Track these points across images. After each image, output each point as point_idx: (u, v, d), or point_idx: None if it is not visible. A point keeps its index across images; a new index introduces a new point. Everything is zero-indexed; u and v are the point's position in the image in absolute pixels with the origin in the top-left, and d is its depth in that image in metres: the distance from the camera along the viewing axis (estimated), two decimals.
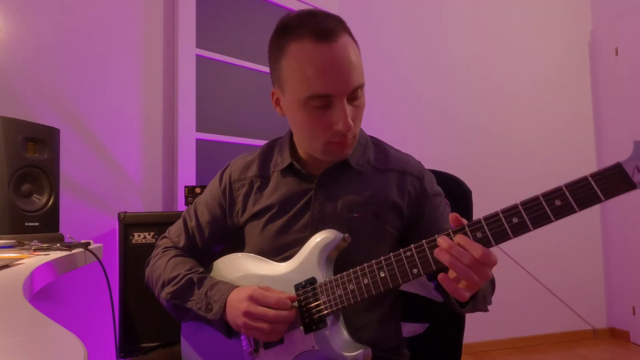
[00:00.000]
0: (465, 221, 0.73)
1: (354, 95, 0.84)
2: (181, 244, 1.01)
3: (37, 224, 1.41)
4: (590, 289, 3.20)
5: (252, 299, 0.81)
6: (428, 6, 3.02)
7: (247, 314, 0.81)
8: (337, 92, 0.82)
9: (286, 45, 0.84)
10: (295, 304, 0.83)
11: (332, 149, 0.87)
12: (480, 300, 0.83)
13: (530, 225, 0.68)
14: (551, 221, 0.66)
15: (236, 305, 0.83)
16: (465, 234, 0.71)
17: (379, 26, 2.88)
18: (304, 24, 0.82)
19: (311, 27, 0.81)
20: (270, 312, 0.80)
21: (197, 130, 2.20)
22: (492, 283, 0.91)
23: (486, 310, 0.88)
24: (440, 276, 0.71)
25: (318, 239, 0.86)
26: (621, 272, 3.14)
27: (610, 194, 0.64)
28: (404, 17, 2.95)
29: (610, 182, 0.64)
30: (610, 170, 0.64)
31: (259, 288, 0.84)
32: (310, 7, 0.89)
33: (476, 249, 0.68)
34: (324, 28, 0.81)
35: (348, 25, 0.87)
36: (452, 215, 0.73)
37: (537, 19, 3.27)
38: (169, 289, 0.92)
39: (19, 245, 1.21)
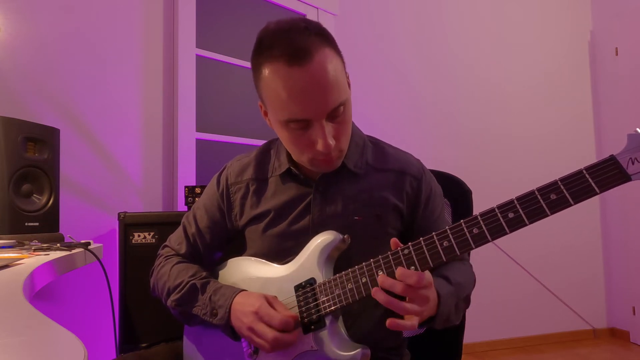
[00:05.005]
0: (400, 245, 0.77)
1: (334, 114, 0.82)
2: (183, 251, 1.01)
3: (37, 224, 1.41)
4: (590, 289, 3.20)
5: (257, 315, 0.81)
6: (428, 6, 3.02)
7: (250, 329, 0.81)
8: (314, 115, 0.80)
9: (262, 66, 0.81)
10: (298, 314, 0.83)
11: (319, 164, 0.87)
12: (441, 322, 0.83)
13: (526, 220, 0.68)
14: (547, 215, 0.67)
15: (240, 317, 0.83)
16: (400, 263, 0.76)
17: (379, 26, 2.88)
18: (276, 44, 0.78)
19: (284, 48, 0.77)
20: (271, 334, 0.79)
21: (197, 130, 2.20)
22: (464, 300, 0.91)
23: (456, 323, 0.90)
24: (388, 322, 0.74)
25: (318, 241, 0.86)
26: (621, 272, 3.14)
27: (604, 186, 0.64)
28: (404, 16, 2.95)
29: (604, 174, 0.64)
30: (605, 162, 0.65)
31: (266, 301, 0.83)
32: (294, 17, 0.84)
33: (410, 277, 0.72)
34: (297, 49, 0.76)
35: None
36: (393, 241, 0.78)
37: (537, 19, 3.27)
38: (174, 297, 0.92)
39: (19, 245, 1.21)
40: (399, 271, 0.73)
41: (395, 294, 0.74)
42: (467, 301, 0.92)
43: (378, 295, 0.74)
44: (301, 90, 0.78)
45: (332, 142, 0.82)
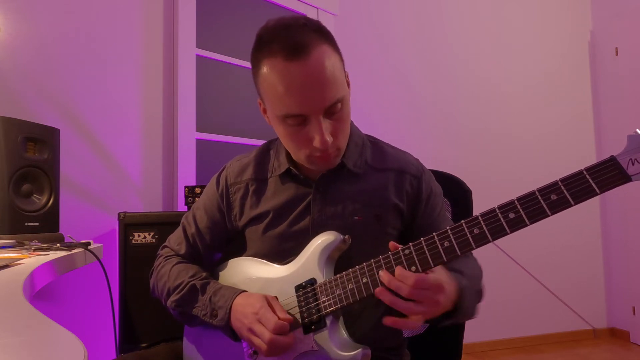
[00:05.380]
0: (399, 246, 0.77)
1: (331, 110, 0.82)
2: (182, 252, 1.01)
3: (37, 224, 1.41)
4: (590, 289, 3.20)
5: (257, 316, 0.81)
6: (428, 6, 3.02)
7: (250, 330, 0.81)
8: (310, 111, 0.80)
9: (261, 62, 0.82)
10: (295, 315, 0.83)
11: (316, 161, 0.87)
12: (462, 315, 0.82)
13: (526, 220, 0.68)
14: (547, 215, 0.67)
15: (241, 318, 0.83)
16: (401, 263, 0.75)
17: (379, 26, 2.88)
18: (276, 39, 0.79)
19: (282, 43, 0.78)
20: (267, 335, 0.78)
21: (197, 130, 2.20)
22: (479, 293, 0.89)
23: (474, 317, 0.88)
24: (387, 320, 0.73)
25: (318, 241, 0.86)
26: (621, 272, 3.14)
27: (605, 187, 0.65)
28: (403, 16, 2.95)
29: (604, 175, 0.65)
30: (605, 163, 0.65)
31: (267, 302, 0.83)
32: (294, 15, 0.85)
33: (409, 278, 0.71)
34: (295, 44, 0.77)
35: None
36: (391, 244, 0.77)
37: (537, 19, 3.27)
38: (173, 297, 0.92)
39: (19, 245, 1.21)
40: (398, 271, 0.73)
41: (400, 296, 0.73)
42: (480, 294, 0.90)
43: (383, 295, 0.73)
44: (298, 84, 0.78)
45: (329, 138, 0.82)
